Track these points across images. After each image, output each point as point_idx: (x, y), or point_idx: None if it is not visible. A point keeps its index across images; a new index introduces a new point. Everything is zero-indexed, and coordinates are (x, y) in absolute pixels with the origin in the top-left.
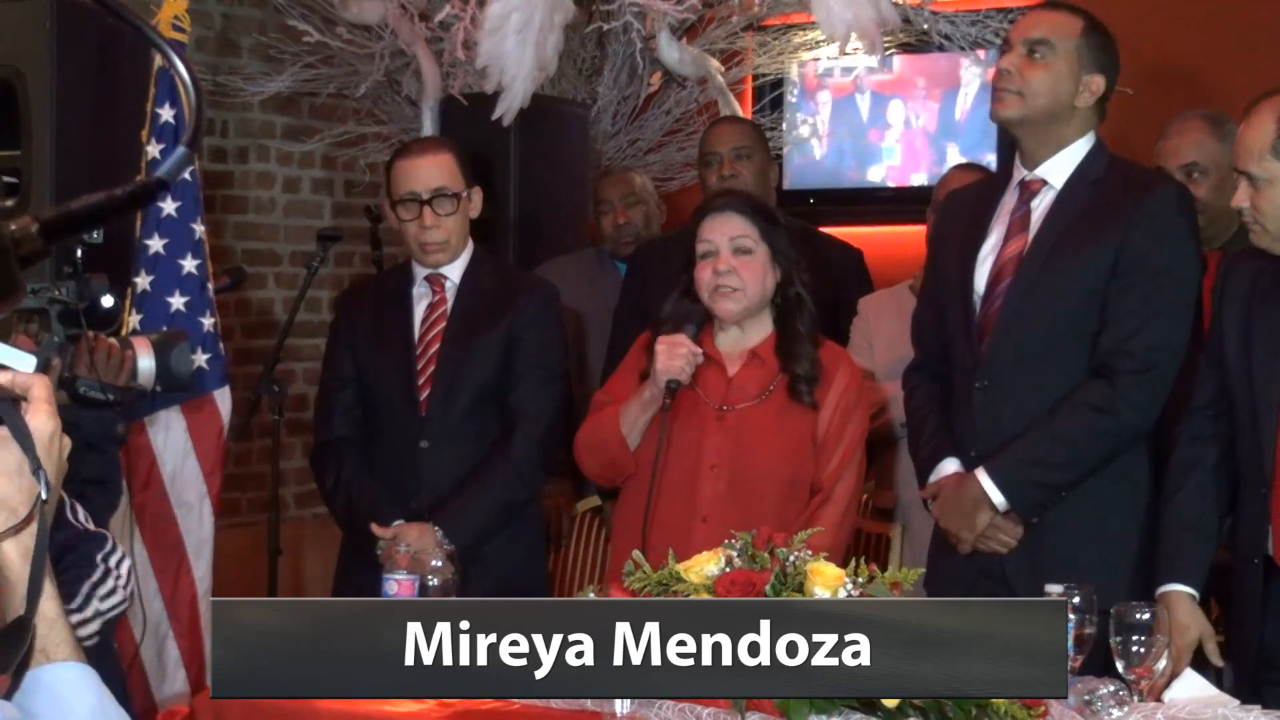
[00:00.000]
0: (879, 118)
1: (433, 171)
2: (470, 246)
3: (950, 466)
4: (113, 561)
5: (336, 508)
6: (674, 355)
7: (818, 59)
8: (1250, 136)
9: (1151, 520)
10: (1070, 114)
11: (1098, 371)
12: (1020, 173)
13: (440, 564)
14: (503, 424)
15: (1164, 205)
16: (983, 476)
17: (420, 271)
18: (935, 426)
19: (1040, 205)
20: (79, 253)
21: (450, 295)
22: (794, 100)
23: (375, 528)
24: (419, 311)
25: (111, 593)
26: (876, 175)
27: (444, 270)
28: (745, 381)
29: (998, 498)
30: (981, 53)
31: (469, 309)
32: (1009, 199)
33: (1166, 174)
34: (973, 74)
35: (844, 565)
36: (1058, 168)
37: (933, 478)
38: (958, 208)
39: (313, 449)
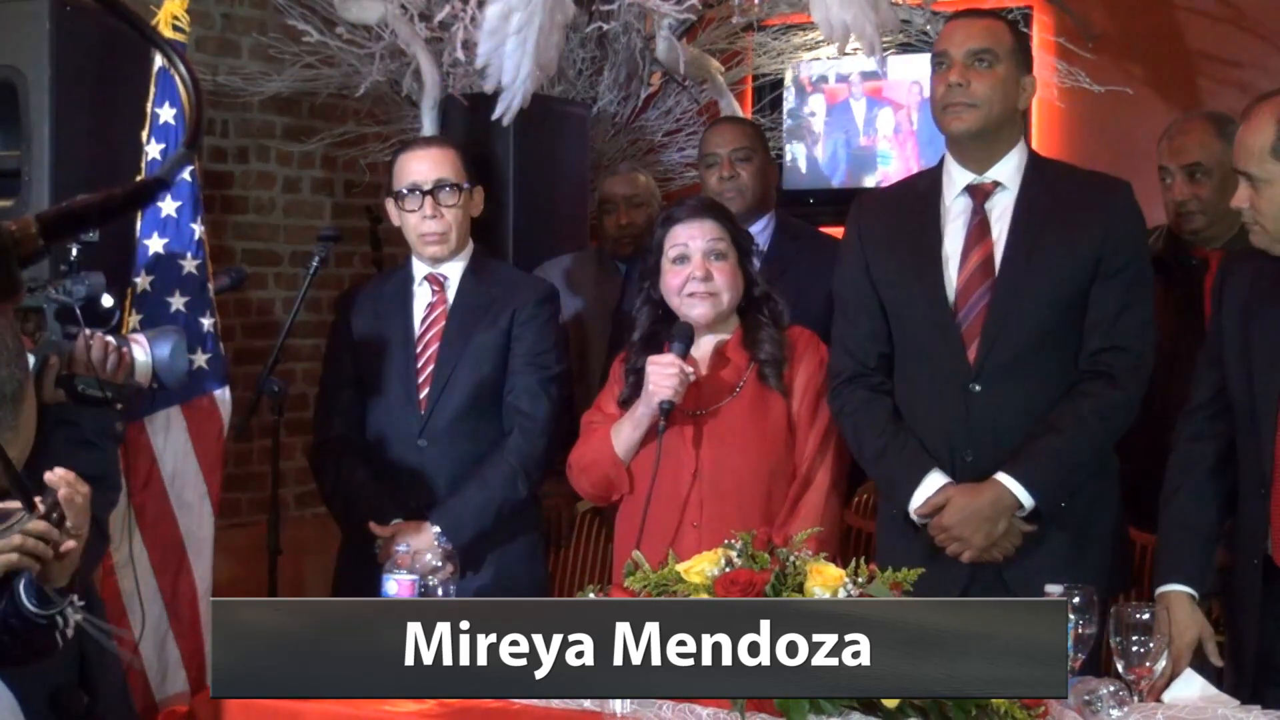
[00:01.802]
0: (871, 124)
1: (436, 164)
2: (470, 246)
3: (939, 479)
4: (69, 632)
5: (336, 507)
6: (665, 376)
7: (818, 59)
8: (1250, 137)
9: (1123, 509)
10: (1015, 117)
11: (1096, 370)
12: (965, 176)
13: (440, 564)
14: (502, 423)
15: (1130, 207)
16: (1008, 481)
17: (420, 271)
18: (904, 441)
19: (997, 207)
20: (74, 251)
21: (450, 294)
22: (791, 105)
23: (374, 527)
24: (419, 311)
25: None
26: (871, 181)
27: (444, 269)
28: (715, 383)
29: (1026, 499)
30: None
31: (469, 308)
32: (954, 203)
33: (1112, 176)
34: None
35: (835, 550)
36: (1006, 170)
37: (920, 492)
38: (881, 215)
39: (312, 448)
